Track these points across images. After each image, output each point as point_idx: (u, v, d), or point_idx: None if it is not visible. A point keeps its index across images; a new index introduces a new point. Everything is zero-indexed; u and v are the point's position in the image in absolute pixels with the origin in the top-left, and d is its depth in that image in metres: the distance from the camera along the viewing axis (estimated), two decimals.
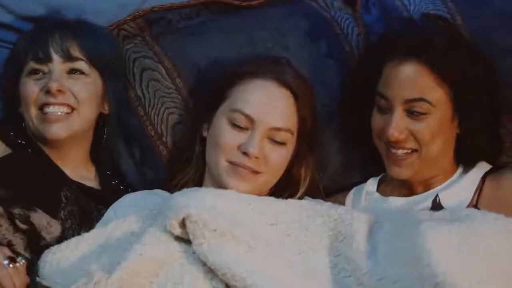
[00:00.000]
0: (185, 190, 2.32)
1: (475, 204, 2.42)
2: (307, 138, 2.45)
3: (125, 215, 2.33)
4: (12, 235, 2.37)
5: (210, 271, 2.16)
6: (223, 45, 2.64)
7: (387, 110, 2.41)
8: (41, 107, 2.45)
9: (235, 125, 2.38)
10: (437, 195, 2.42)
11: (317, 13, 2.72)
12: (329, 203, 2.34)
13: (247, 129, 2.38)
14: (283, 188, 2.44)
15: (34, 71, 2.47)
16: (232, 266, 2.12)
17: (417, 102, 2.37)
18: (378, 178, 2.59)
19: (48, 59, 2.46)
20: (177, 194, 2.29)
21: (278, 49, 2.63)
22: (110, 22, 2.67)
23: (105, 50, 2.54)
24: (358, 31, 2.73)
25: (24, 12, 2.65)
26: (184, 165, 2.50)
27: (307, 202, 2.36)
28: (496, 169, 2.50)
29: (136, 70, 2.64)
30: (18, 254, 2.33)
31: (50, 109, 2.44)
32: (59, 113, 2.45)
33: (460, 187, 2.46)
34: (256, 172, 2.37)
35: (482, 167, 2.50)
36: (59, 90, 2.43)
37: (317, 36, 2.68)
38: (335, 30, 2.71)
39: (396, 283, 2.13)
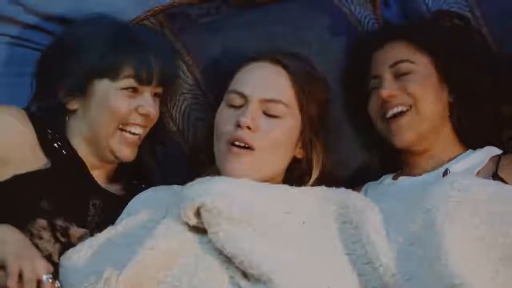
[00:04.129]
0: (198, 180, 2.30)
1: (495, 171, 2.46)
2: (312, 124, 2.45)
3: (141, 211, 2.33)
4: (53, 247, 2.37)
5: (226, 261, 2.16)
6: (243, 40, 2.64)
7: (379, 84, 2.53)
8: (126, 124, 2.45)
9: (231, 106, 2.41)
10: (447, 169, 2.46)
11: (336, 8, 2.72)
12: (343, 189, 2.34)
13: (242, 106, 2.40)
14: (296, 177, 2.44)
15: (131, 88, 2.45)
16: (248, 253, 2.13)
17: (402, 63, 2.52)
18: (393, 174, 2.60)
19: (148, 83, 2.46)
20: (190, 184, 2.28)
21: (297, 44, 2.63)
22: (130, 18, 2.66)
23: (176, 77, 2.60)
24: (378, 27, 2.73)
25: (46, 12, 2.67)
26: (206, 162, 2.48)
27: (320, 189, 2.35)
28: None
29: None
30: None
31: (132, 129, 2.45)
32: (135, 137, 2.46)
33: (469, 162, 2.50)
34: (251, 148, 2.36)
35: (493, 150, 2.53)
36: (148, 115, 2.45)
37: (337, 31, 2.68)
38: (355, 26, 2.71)
39: (408, 281, 2.13)
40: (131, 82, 2.44)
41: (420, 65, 2.53)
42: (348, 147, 2.62)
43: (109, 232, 2.30)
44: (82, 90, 2.45)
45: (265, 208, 2.25)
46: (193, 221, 2.19)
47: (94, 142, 2.46)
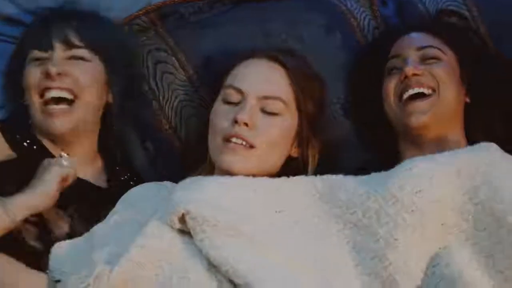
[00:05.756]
0: (188, 180, 2.28)
1: None
2: (309, 122, 2.42)
3: (132, 207, 2.31)
4: (23, 226, 2.34)
5: (214, 265, 2.11)
6: (237, 37, 2.63)
7: (401, 64, 2.50)
8: (42, 93, 2.45)
9: (227, 102, 2.38)
10: None
11: (332, 5, 2.70)
12: (337, 184, 2.27)
13: (239, 103, 2.37)
14: (291, 175, 2.37)
15: (37, 59, 2.48)
16: (233, 262, 2.09)
17: (431, 48, 2.51)
18: None
19: (49, 47, 2.47)
20: (179, 186, 2.26)
21: (292, 41, 2.62)
22: (122, 17, 2.65)
23: (106, 38, 2.53)
24: (375, 24, 2.71)
25: (33, 7, 2.65)
26: (199, 159, 2.45)
27: (314, 187, 2.28)
28: None
29: (150, 63, 2.64)
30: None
31: (51, 94, 2.44)
32: (62, 107, 2.44)
33: None
34: (249, 146, 2.33)
35: None
36: (58, 74, 2.44)
37: (332, 28, 2.66)
38: (351, 23, 2.69)
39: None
40: (34, 53, 2.48)
41: (448, 55, 2.52)
42: (346, 146, 2.59)
43: (103, 225, 2.28)
44: (20, 83, 2.51)
45: (255, 209, 2.21)
46: (178, 226, 2.16)
47: (38, 129, 2.48)
